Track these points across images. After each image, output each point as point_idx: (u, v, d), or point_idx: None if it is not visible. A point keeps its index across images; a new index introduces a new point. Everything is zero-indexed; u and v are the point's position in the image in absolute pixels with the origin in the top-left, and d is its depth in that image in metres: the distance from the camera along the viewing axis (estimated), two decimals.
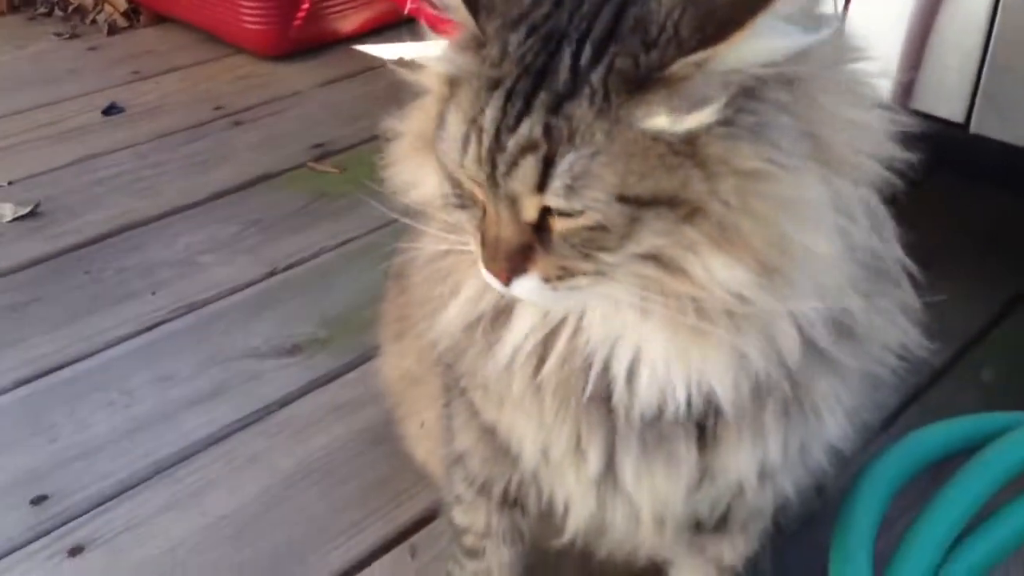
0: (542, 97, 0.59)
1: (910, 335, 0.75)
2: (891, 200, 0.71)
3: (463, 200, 0.65)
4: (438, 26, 0.71)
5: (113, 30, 2.54)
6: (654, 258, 0.62)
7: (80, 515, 1.16)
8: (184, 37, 2.50)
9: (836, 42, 0.67)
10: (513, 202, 0.61)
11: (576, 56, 0.59)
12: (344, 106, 2.16)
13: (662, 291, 0.63)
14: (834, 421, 0.74)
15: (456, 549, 0.97)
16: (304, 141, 2.01)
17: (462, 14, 0.64)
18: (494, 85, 0.61)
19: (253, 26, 2.30)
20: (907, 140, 0.68)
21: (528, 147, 0.59)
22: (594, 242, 0.61)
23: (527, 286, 0.64)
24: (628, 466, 0.74)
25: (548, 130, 0.58)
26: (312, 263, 1.64)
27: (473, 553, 0.95)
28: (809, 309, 0.64)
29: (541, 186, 0.59)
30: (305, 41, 2.35)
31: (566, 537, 0.87)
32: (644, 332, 0.66)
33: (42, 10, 2.66)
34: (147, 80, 2.29)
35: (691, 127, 0.58)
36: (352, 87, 2.26)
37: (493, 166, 0.60)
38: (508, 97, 0.60)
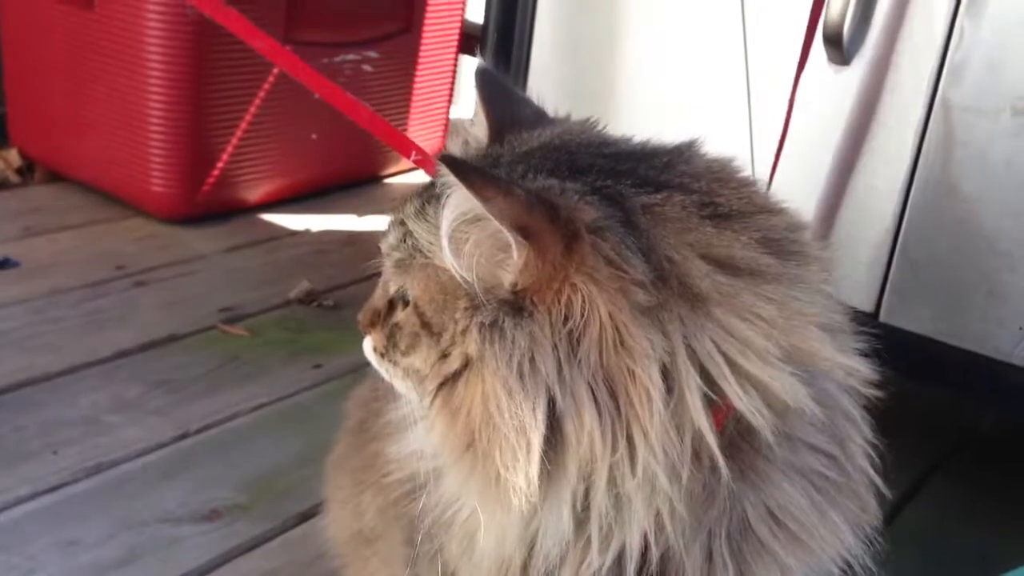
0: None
1: (854, 553, 0.74)
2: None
3: None
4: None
5: (3, 186, 2.47)
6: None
7: None
8: (79, 196, 2.45)
9: None
10: (385, 284, 0.74)
11: None
12: (250, 272, 2.14)
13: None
14: None
15: None
16: (211, 304, 1.97)
17: None
18: None
19: (160, 188, 2.27)
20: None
21: (398, 222, 0.72)
22: (395, 339, 0.72)
23: (366, 345, 0.77)
24: None
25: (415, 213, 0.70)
26: (226, 426, 1.58)
27: None
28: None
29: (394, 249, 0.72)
30: (211, 206, 2.34)
31: None
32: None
33: None
34: (40, 236, 2.22)
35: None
36: (257, 254, 2.24)
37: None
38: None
